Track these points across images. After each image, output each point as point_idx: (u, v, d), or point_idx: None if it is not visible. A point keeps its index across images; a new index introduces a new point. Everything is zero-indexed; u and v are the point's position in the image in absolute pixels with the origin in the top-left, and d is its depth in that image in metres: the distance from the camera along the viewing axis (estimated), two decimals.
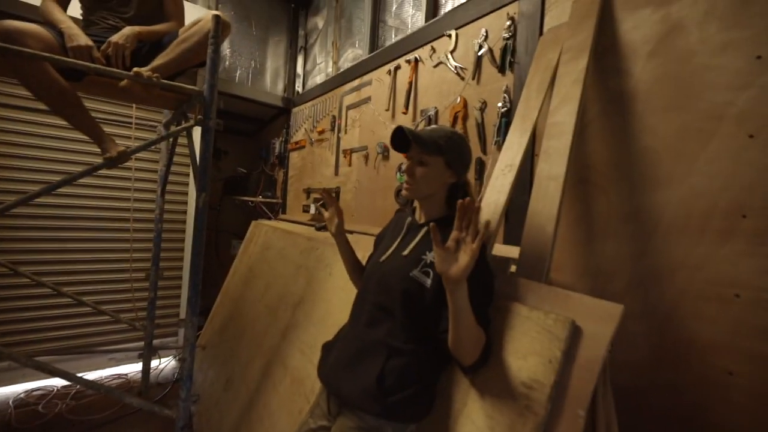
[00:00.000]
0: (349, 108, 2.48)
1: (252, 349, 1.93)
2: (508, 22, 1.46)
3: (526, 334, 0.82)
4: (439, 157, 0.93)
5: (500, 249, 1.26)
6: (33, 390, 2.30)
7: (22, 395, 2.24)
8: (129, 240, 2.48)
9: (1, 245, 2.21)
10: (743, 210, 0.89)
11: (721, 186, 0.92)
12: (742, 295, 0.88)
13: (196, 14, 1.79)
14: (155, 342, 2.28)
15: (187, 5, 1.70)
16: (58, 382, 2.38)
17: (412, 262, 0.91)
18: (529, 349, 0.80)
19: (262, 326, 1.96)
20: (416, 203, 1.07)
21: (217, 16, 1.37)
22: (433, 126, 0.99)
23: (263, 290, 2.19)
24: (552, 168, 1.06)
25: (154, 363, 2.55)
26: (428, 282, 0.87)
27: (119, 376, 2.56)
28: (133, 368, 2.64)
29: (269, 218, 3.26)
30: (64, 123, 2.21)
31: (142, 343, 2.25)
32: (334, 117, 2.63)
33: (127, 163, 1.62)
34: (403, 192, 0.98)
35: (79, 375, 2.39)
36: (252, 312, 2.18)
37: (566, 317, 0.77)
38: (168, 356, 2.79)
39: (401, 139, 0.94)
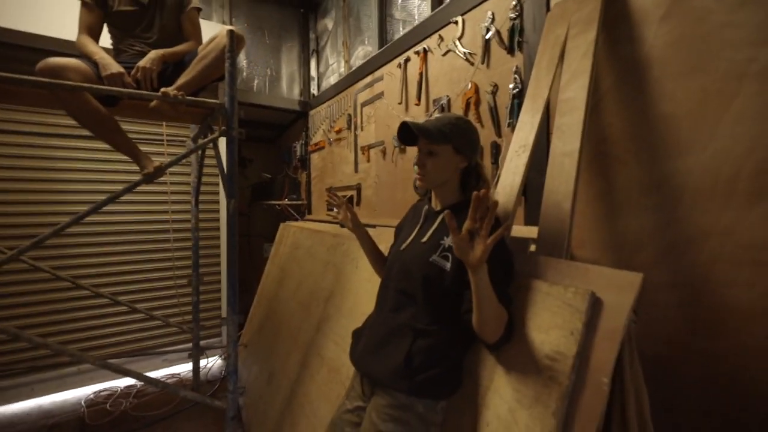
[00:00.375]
0: (363, 105, 2.53)
1: (289, 343, 2.03)
2: (514, 2, 1.44)
3: (547, 308, 0.84)
4: (446, 144, 0.95)
5: (520, 230, 1.27)
6: (100, 391, 2.54)
7: (91, 396, 2.48)
8: (170, 249, 2.67)
9: (61, 262, 2.45)
10: None
11: (747, 148, 0.89)
12: None
13: (211, 30, 1.89)
14: (202, 343, 2.45)
15: (202, 22, 1.80)
16: (120, 383, 2.61)
17: (432, 248, 0.95)
18: (550, 323, 0.81)
19: (296, 322, 2.06)
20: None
21: (231, 31, 1.45)
22: (437, 115, 1.01)
23: (295, 288, 2.29)
24: (566, 144, 1.06)
25: (202, 362, 2.74)
26: (448, 266, 0.91)
27: (173, 375, 2.77)
28: (185, 368, 2.84)
29: (296, 220, 3.38)
30: (101, 147, 2.41)
31: (189, 345, 2.43)
32: (349, 115, 2.68)
33: (162, 178, 1.76)
34: (417, 183, 1.01)
35: None
36: (286, 309, 2.29)
37: (585, 289, 0.78)
38: (214, 355, 2.97)
39: (408, 133, 0.97)
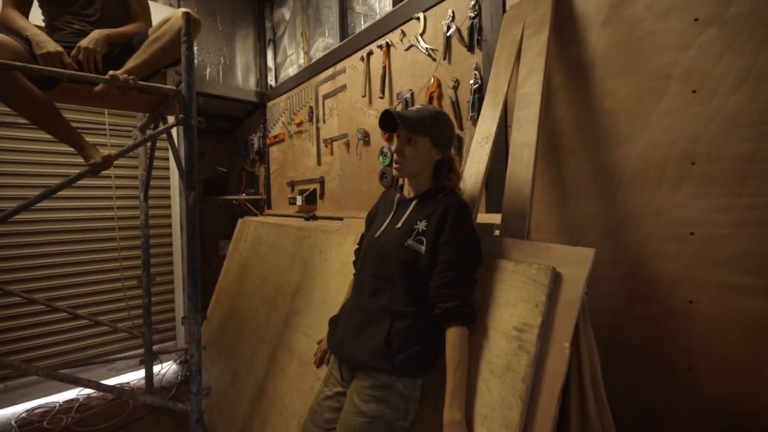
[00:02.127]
0: (325, 97, 2.51)
1: (255, 340, 1.98)
2: (473, 2, 1.52)
3: (513, 285, 0.91)
4: (425, 136, 1.00)
5: (482, 217, 1.35)
6: (34, 408, 2.28)
7: (24, 415, 2.23)
8: (117, 248, 2.46)
9: None
10: (692, 158, 1.00)
11: (673, 138, 1.03)
12: (696, 233, 1.00)
13: (158, 13, 1.76)
14: (154, 347, 2.29)
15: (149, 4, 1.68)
16: (58, 398, 2.37)
17: (406, 233, 0.99)
18: (517, 298, 0.89)
19: (262, 318, 2.01)
20: (401, 181, 1.14)
21: (187, 14, 1.37)
22: (418, 106, 1.05)
23: (259, 284, 2.23)
24: (524, 135, 1.15)
25: (155, 369, 2.56)
26: (423, 249, 0.95)
27: (122, 385, 2.56)
28: (135, 376, 2.65)
29: (255, 215, 3.26)
30: (34, 137, 2.15)
31: (141, 351, 2.26)
32: (311, 108, 2.65)
33: (106, 172, 1.62)
34: (393, 171, 1.05)
35: (80, 387, 2.38)
36: (250, 306, 2.22)
37: (547, 265, 0.86)
38: (168, 360, 2.80)
39: (389, 120, 1.00)
